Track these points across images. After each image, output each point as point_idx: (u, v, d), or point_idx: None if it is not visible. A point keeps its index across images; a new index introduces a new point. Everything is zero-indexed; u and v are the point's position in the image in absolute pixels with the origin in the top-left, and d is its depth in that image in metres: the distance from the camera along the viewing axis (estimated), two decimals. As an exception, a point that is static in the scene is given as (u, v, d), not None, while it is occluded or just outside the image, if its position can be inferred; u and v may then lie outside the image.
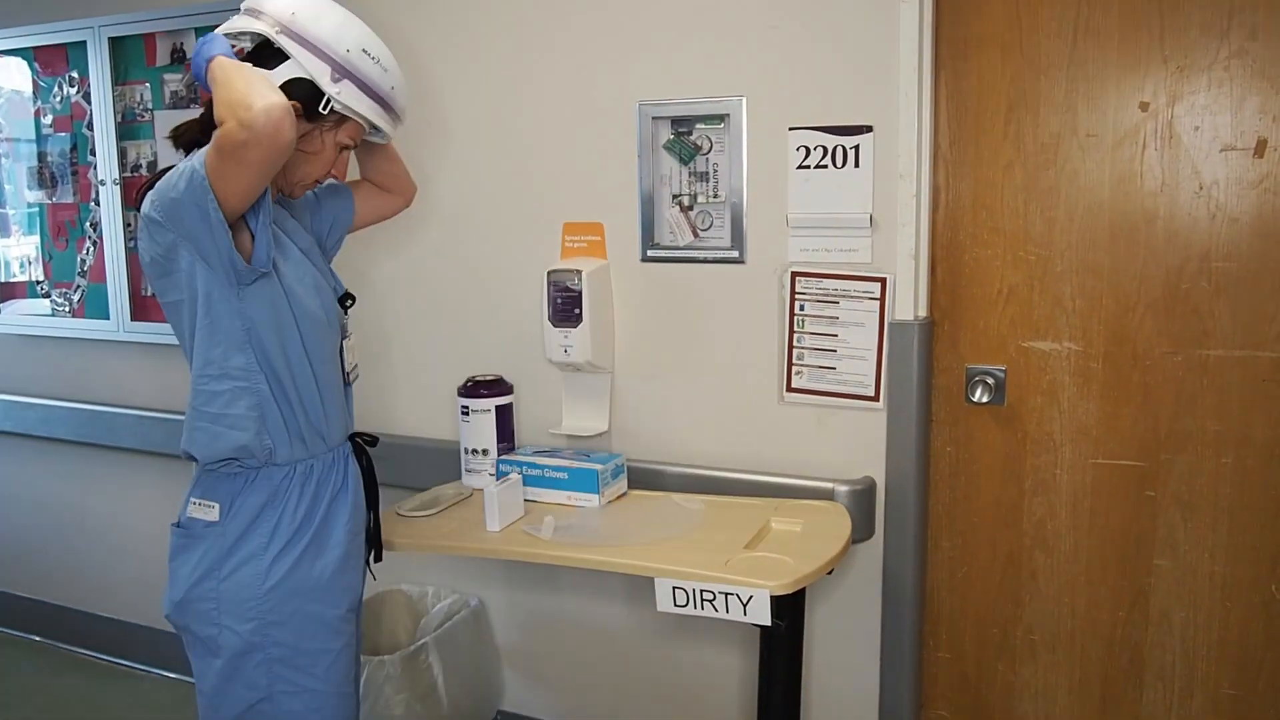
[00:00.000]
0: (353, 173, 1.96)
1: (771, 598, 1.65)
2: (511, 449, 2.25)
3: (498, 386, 2.25)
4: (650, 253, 2.24)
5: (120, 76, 2.82)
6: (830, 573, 1.83)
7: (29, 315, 3.13)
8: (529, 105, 2.32)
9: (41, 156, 3.02)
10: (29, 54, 2.99)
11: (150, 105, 2.80)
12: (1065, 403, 2.03)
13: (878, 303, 2.05)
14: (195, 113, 1.73)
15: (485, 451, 2.22)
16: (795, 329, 2.13)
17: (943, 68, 2.02)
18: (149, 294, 2.85)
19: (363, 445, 1.79)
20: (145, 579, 3.02)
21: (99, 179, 2.88)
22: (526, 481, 2.09)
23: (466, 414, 2.22)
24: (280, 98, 1.44)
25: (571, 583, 2.47)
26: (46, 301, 3.09)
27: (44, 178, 3.03)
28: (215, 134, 1.45)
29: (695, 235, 2.21)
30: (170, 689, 3.02)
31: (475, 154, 2.41)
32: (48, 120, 3.00)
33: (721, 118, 2.14)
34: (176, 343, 1.65)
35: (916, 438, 2.06)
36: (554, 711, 2.57)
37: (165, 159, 1.63)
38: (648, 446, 2.29)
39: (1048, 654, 2.12)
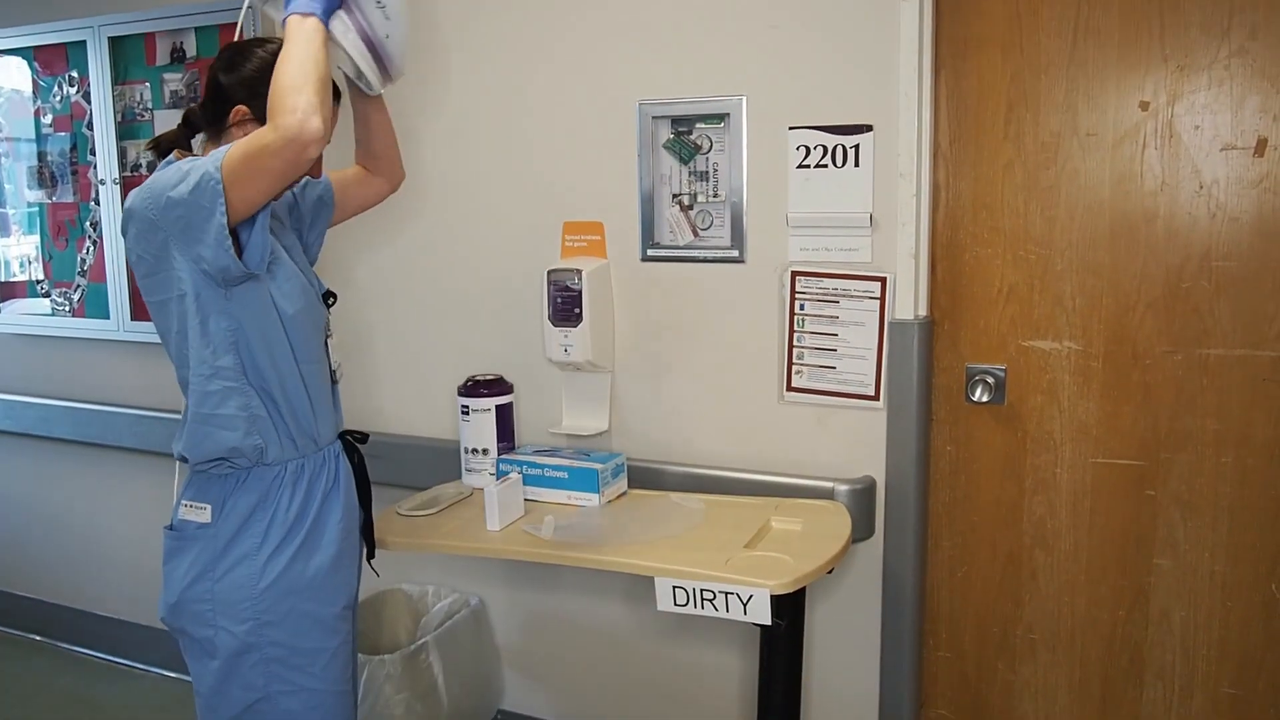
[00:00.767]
0: (344, 162, 1.96)
1: (771, 597, 1.65)
2: (511, 448, 2.25)
3: (498, 386, 2.25)
4: (650, 252, 2.24)
5: (120, 76, 2.82)
6: (830, 572, 1.82)
7: (29, 315, 3.13)
8: (530, 104, 2.32)
9: (41, 156, 3.02)
10: (29, 53, 2.99)
11: (150, 105, 2.80)
12: (1065, 402, 2.03)
13: (878, 302, 2.05)
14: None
15: (485, 451, 2.22)
16: (795, 328, 2.13)
17: (943, 67, 2.02)
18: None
19: (353, 443, 1.78)
20: (144, 578, 3.02)
21: (99, 178, 2.88)
22: (526, 481, 2.09)
23: (466, 413, 2.22)
24: (324, 114, 1.44)
25: (572, 582, 2.47)
26: (46, 301, 3.09)
27: (44, 177, 3.03)
28: (249, 137, 1.45)
29: (695, 235, 2.21)
30: (169, 688, 3.02)
31: (476, 153, 2.41)
32: (48, 120, 3.00)
33: (721, 117, 2.14)
34: (175, 343, 1.65)
35: (916, 437, 2.06)
36: (554, 711, 2.57)
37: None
38: (648, 446, 2.29)
39: (1048, 653, 2.12)
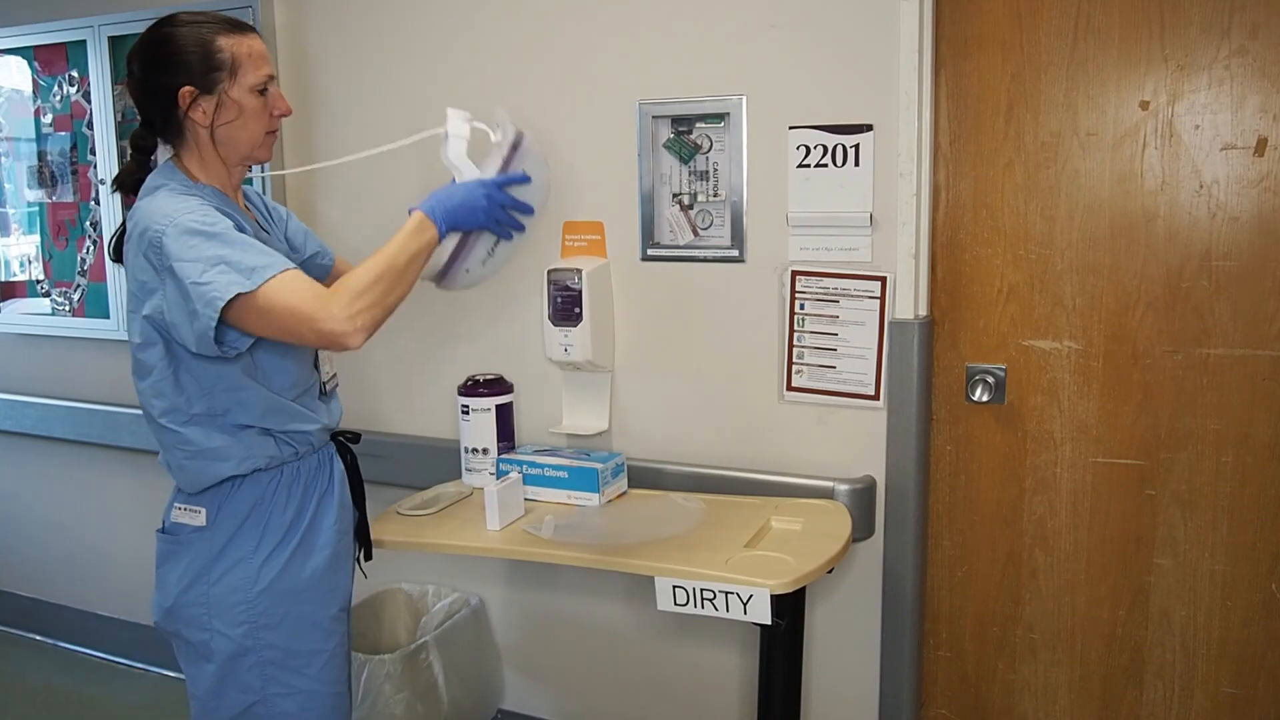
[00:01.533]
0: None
1: (771, 596, 1.65)
2: (511, 448, 2.25)
3: (498, 385, 2.25)
4: (650, 251, 2.24)
5: (120, 75, 2.81)
6: (830, 571, 1.83)
7: (29, 314, 3.12)
8: (529, 104, 2.32)
9: (41, 156, 3.02)
10: (29, 53, 2.99)
11: (150, 104, 2.80)
12: (1065, 401, 2.03)
13: (878, 301, 2.05)
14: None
15: (485, 450, 2.22)
16: (795, 328, 2.13)
17: (943, 66, 2.02)
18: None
19: (345, 444, 1.77)
20: (143, 578, 3.00)
21: (99, 178, 2.88)
22: (526, 480, 2.09)
23: (466, 413, 2.22)
24: (371, 332, 1.46)
25: (572, 582, 2.47)
26: (46, 301, 3.09)
27: (44, 177, 3.03)
28: (286, 290, 1.42)
29: (695, 234, 2.21)
30: (169, 687, 3.02)
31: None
32: (48, 119, 3.00)
33: (721, 116, 2.14)
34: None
35: (917, 436, 2.05)
36: (554, 710, 2.57)
37: (165, 158, 1.62)
38: (648, 445, 2.29)
39: (1048, 652, 2.12)
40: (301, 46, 2.55)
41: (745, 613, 1.66)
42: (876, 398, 2.07)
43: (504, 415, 2.24)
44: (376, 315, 1.48)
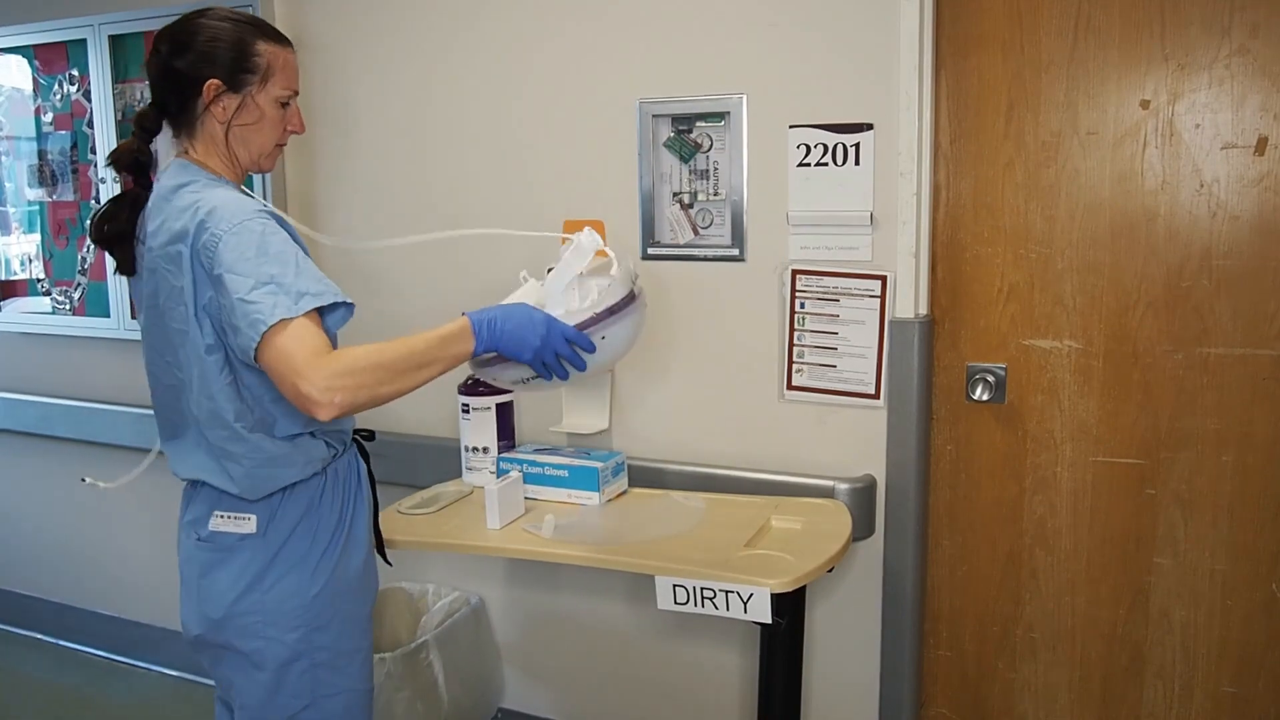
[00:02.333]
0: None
1: (772, 595, 1.65)
2: (512, 447, 2.25)
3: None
4: (651, 250, 2.24)
5: (120, 74, 2.82)
6: (831, 571, 1.83)
7: (29, 313, 3.13)
8: (529, 103, 2.32)
9: (42, 154, 3.02)
10: (29, 52, 2.99)
11: (150, 103, 2.80)
12: (1066, 401, 2.03)
13: (878, 301, 2.05)
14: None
15: (485, 449, 2.22)
16: (796, 327, 2.13)
17: (943, 65, 2.02)
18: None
19: (361, 442, 1.78)
20: (145, 576, 3.02)
21: (99, 177, 2.88)
22: (527, 479, 2.09)
23: (467, 412, 2.22)
24: (349, 412, 1.40)
25: (572, 581, 2.47)
26: (47, 299, 3.09)
27: (44, 176, 3.03)
28: (294, 338, 1.38)
29: (695, 233, 2.21)
30: (171, 686, 3.02)
31: (476, 151, 2.41)
32: (48, 118, 3.00)
33: (722, 115, 2.14)
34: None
35: (917, 436, 2.05)
36: (554, 709, 2.57)
37: (166, 157, 1.60)
38: (648, 444, 2.29)
39: (1048, 652, 2.12)
40: (300, 43, 2.55)
41: (745, 612, 1.66)
42: (877, 397, 2.07)
43: (504, 414, 2.24)
44: (359, 399, 1.39)
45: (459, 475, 2.29)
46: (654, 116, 2.19)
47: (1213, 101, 1.85)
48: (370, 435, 1.80)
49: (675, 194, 2.22)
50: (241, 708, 1.62)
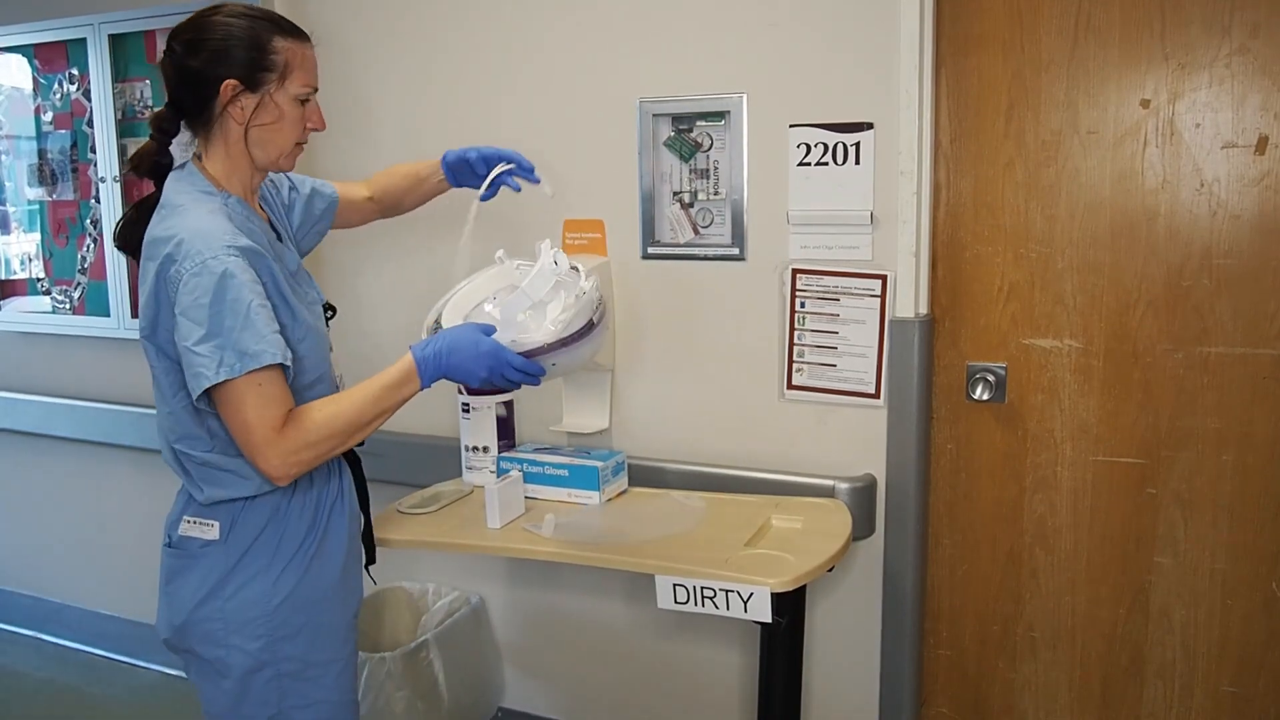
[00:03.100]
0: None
1: (772, 595, 1.65)
2: (512, 446, 2.25)
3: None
4: (651, 250, 2.24)
5: (120, 73, 2.82)
6: (831, 570, 1.83)
7: (29, 313, 3.12)
8: (529, 102, 2.32)
9: (42, 154, 3.02)
10: (29, 51, 2.99)
11: (150, 102, 2.80)
12: (1066, 400, 2.03)
13: (878, 300, 2.05)
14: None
15: (486, 449, 2.22)
16: (796, 326, 2.13)
17: (943, 65, 2.02)
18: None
19: (351, 450, 1.75)
20: (145, 575, 3.01)
21: (99, 176, 2.88)
22: (527, 479, 2.09)
23: (467, 411, 2.22)
24: (301, 473, 1.48)
25: (572, 580, 2.47)
26: (47, 299, 3.09)
27: (44, 175, 3.03)
28: (252, 402, 1.41)
29: (696, 232, 2.21)
30: (171, 685, 3.02)
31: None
32: (48, 117, 3.00)
33: (722, 115, 2.14)
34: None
35: (917, 435, 2.05)
36: (555, 708, 2.57)
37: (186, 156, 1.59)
38: (648, 444, 2.29)
39: (1048, 651, 2.12)
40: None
41: (746, 611, 1.66)
42: (877, 396, 2.07)
43: (504, 413, 2.24)
44: (315, 464, 1.50)
45: (459, 474, 2.29)
46: (654, 115, 2.19)
47: (1213, 101, 1.85)
48: (360, 442, 1.78)
49: (675, 193, 2.22)
50: (208, 715, 1.60)
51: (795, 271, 2.10)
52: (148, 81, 2.79)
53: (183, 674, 3.02)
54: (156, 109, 1.62)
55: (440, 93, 2.42)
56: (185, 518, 1.58)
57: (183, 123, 1.57)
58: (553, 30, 2.27)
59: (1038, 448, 2.06)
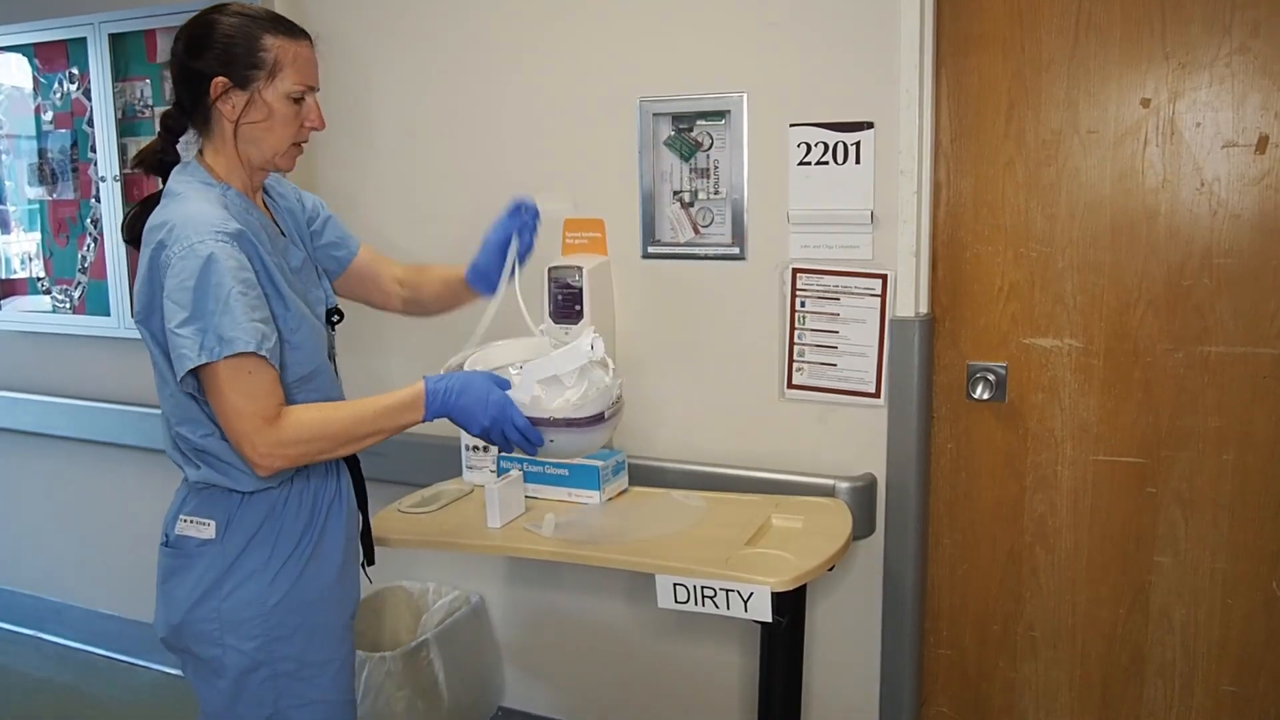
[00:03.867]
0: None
1: (772, 594, 1.65)
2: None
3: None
4: (651, 249, 2.24)
5: (120, 73, 2.82)
6: (831, 569, 1.82)
7: (30, 312, 3.12)
8: (529, 101, 2.32)
9: (42, 153, 3.02)
10: (29, 50, 2.99)
11: (151, 102, 2.79)
12: (1066, 399, 2.03)
13: (879, 299, 2.05)
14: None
15: (486, 448, 2.22)
16: (796, 325, 2.13)
17: (944, 64, 2.02)
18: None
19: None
20: (146, 575, 3.01)
21: (99, 176, 2.88)
22: (527, 478, 2.09)
23: (467, 411, 2.22)
24: (287, 469, 1.49)
25: (572, 579, 2.47)
26: (47, 298, 3.09)
27: (44, 174, 3.03)
28: (240, 387, 1.42)
29: (696, 232, 2.21)
30: (170, 684, 3.02)
31: (473, 150, 2.40)
32: (48, 117, 3.00)
33: (722, 114, 2.14)
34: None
35: (917, 434, 2.05)
36: (555, 708, 2.57)
37: (190, 155, 1.60)
38: (649, 443, 2.29)
39: (1048, 651, 2.12)
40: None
41: (746, 610, 1.66)
42: (877, 396, 2.07)
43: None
44: (298, 464, 1.50)
45: (459, 474, 2.29)
46: (654, 115, 2.19)
47: (1213, 100, 1.85)
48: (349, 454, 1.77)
49: (676, 192, 2.22)
50: (204, 715, 1.61)
51: (795, 271, 2.10)
52: (148, 81, 2.79)
53: (181, 673, 3.02)
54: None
55: (440, 93, 2.42)
56: (181, 516, 1.59)
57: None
58: (552, 30, 2.27)
59: (1038, 447, 2.06)
